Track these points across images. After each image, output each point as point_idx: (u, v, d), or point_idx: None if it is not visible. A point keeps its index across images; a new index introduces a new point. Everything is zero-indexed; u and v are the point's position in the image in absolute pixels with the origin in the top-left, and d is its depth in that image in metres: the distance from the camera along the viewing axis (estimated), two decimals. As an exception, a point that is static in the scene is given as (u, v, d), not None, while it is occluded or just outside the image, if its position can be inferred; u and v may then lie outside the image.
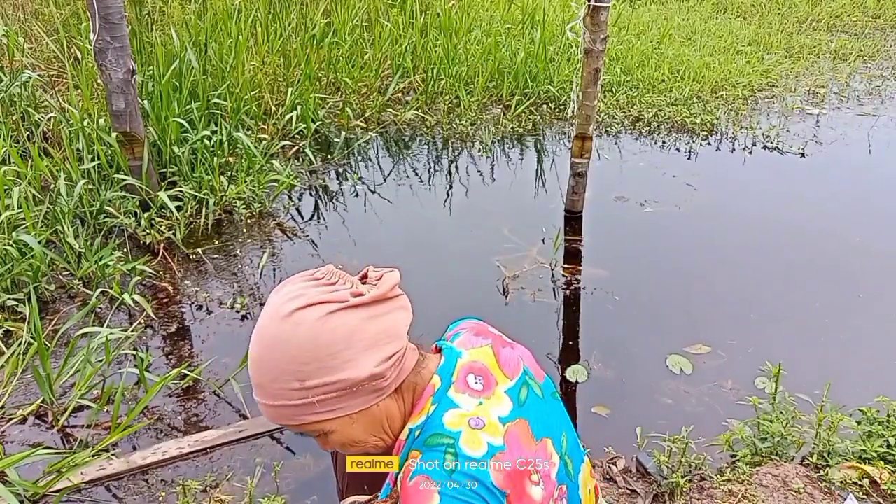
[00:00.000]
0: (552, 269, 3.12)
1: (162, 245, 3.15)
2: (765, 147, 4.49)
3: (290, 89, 4.35)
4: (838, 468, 1.87)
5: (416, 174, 4.13)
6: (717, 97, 5.27)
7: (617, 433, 2.19)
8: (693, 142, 4.58)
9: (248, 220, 3.48)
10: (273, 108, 4.34)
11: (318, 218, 3.60)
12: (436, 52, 5.27)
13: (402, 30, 5.40)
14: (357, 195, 3.82)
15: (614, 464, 2.03)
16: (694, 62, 5.66)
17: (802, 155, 4.38)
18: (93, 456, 2.02)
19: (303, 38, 4.88)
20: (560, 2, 6.56)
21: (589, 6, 3.00)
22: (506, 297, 2.91)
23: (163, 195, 3.23)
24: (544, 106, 5.05)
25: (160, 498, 1.94)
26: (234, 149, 3.80)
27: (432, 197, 3.86)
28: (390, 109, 4.86)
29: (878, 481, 1.81)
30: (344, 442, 0.97)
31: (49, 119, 3.63)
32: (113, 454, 2.06)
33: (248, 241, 3.32)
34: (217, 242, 3.28)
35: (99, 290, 2.70)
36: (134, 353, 2.45)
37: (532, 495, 0.92)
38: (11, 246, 2.72)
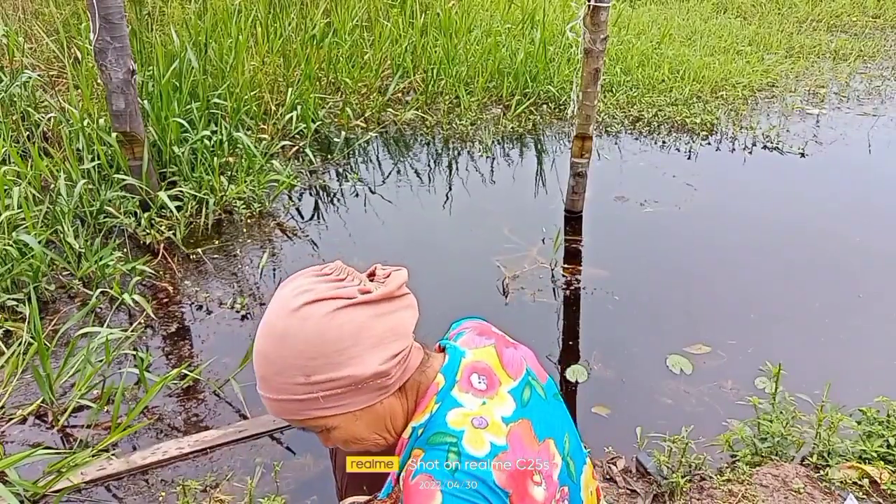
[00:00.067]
0: (552, 269, 3.12)
1: (162, 245, 3.15)
2: (765, 147, 4.49)
3: (290, 89, 4.35)
4: (838, 468, 1.87)
5: (416, 174, 4.13)
6: (717, 97, 5.27)
7: (617, 433, 2.19)
8: (693, 142, 4.58)
9: (248, 220, 3.48)
10: (273, 108, 4.34)
11: (318, 218, 3.60)
12: (436, 52, 5.27)
13: (402, 30, 5.40)
14: (357, 195, 3.82)
15: (614, 464, 2.03)
16: (694, 62, 5.66)
17: (802, 155, 4.38)
18: (93, 456, 2.02)
19: (303, 38, 4.88)
20: (560, 2, 6.56)
21: (589, 6, 3.00)
22: (506, 297, 2.91)
23: (163, 195, 3.23)
24: (544, 106, 5.05)
25: (160, 498, 1.94)
26: (234, 149, 3.80)
27: (432, 197, 3.86)
28: (390, 109, 4.86)
29: (878, 481, 1.81)
30: (346, 439, 0.97)
31: (49, 119, 3.62)
32: (113, 454, 2.06)
33: (248, 241, 3.32)
34: (217, 242, 3.28)
35: (99, 290, 2.70)
36: (134, 353, 2.45)
37: (534, 496, 0.92)
38: (11, 246, 2.72)
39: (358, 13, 5.43)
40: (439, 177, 4.11)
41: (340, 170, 4.12)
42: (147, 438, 2.17)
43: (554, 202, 3.75)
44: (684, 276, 3.14)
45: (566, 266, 3.16)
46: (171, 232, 3.21)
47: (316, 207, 3.71)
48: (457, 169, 4.21)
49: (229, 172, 3.66)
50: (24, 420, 2.20)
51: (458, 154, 4.41)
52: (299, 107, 4.27)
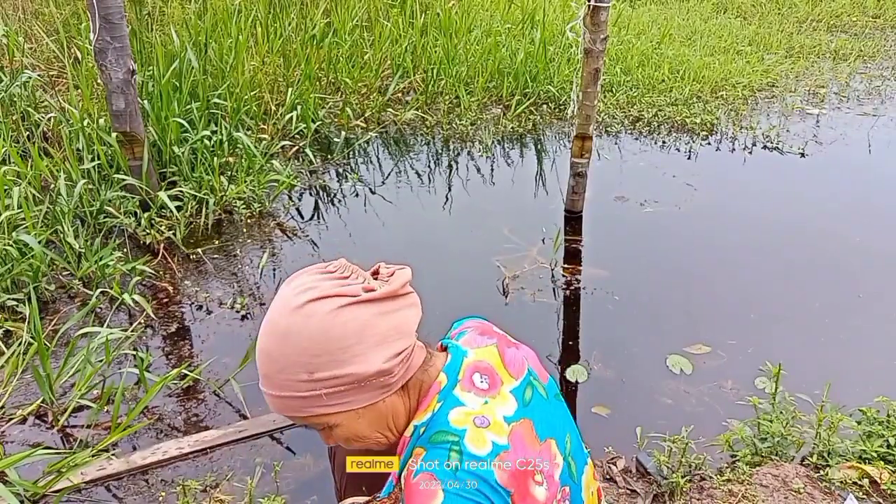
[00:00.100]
0: (552, 269, 3.12)
1: (162, 245, 3.15)
2: (765, 147, 4.50)
3: (290, 89, 4.35)
4: (838, 468, 1.87)
5: (417, 174, 4.13)
6: (717, 97, 5.27)
7: (617, 433, 2.19)
8: (693, 142, 4.58)
9: (248, 220, 3.48)
10: (273, 108, 4.34)
11: (318, 218, 3.60)
12: (436, 52, 5.27)
13: (402, 30, 5.40)
14: (357, 195, 3.82)
15: (614, 464, 2.03)
16: (694, 62, 5.66)
17: (802, 155, 4.38)
18: (93, 456, 2.02)
19: (303, 38, 4.88)
20: (560, 2, 6.56)
21: (589, 6, 3.00)
22: (506, 297, 2.91)
23: (163, 195, 3.23)
24: (544, 106, 5.05)
25: (160, 498, 1.94)
26: (234, 149, 3.80)
27: (432, 197, 3.86)
28: (390, 109, 4.86)
29: (878, 481, 1.81)
30: (348, 436, 0.97)
31: (49, 119, 3.62)
32: (113, 454, 2.06)
33: (248, 241, 3.32)
34: (217, 242, 3.28)
35: (99, 290, 2.70)
36: (134, 353, 2.45)
37: (535, 495, 0.92)
38: (11, 246, 2.72)
39: (358, 13, 5.44)
40: (439, 177, 4.11)
41: (340, 170, 4.12)
42: (147, 438, 2.17)
43: (554, 202, 3.75)
44: (684, 276, 3.14)
45: (566, 266, 3.16)
46: (171, 232, 3.21)
47: (316, 207, 3.71)
48: (457, 169, 4.21)
49: (229, 172, 3.66)
50: (24, 420, 2.20)
51: (458, 154, 4.41)
52: (299, 107, 4.27)
